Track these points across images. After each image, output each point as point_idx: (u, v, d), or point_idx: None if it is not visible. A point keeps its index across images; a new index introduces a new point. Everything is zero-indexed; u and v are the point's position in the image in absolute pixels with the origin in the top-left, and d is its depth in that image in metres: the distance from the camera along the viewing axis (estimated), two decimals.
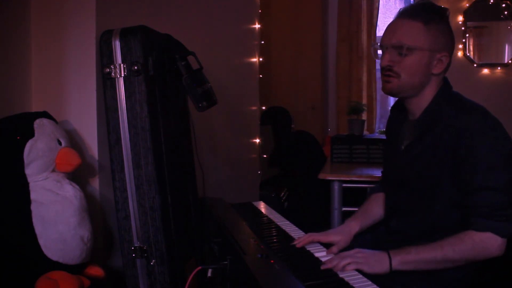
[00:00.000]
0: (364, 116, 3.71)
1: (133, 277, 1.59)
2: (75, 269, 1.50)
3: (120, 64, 1.55)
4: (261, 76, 3.21)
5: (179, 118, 1.88)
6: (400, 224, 1.52)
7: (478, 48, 3.84)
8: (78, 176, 1.66)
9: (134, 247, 1.58)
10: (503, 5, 3.68)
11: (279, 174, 3.78)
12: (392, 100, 4.03)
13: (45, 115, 1.59)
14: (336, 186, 2.50)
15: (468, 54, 3.80)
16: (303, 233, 1.57)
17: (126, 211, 1.58)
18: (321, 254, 1.40)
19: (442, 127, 1.38)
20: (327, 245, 1.50)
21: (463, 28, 3.77)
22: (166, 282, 1.57)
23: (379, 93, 4.06)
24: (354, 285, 1.17)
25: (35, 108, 1.73)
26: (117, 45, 1.55)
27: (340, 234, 1.53)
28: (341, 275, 1.23)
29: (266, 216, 1.83)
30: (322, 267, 1.28)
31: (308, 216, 3.28)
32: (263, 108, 3.53)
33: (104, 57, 1.57)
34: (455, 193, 1.36)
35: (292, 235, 1.57)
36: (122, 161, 1.56)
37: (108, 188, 1.69)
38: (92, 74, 1.67)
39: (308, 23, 4.04)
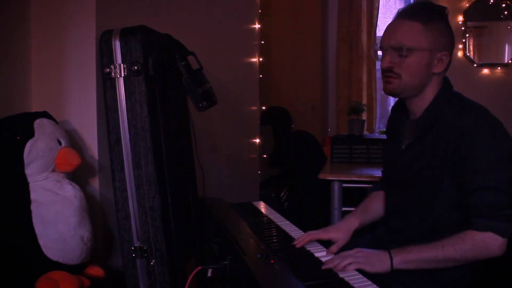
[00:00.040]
0: (364, 116, 3.71)
1: (133, 277, 1.59)
2: (75, 269, 1.50)
3: (120, 64, 1.55)
4: (261, 76, 3.21)
5: (179, 118, 1.88)
6: (400, 224, 1.52)
7: (478, 48, 3.85)
8: (78, 176, 1.66)
9: (134, 247, 1.58)
10: (503, 5, 3.68)
11: (279, 174, 3.78)
12: (392, 100, 4.03)
13: (45, 115, 1.60)
14: (336, 186, 2.50)
15: (468, 54, 3.80)
16: (303, 233, 1.57)
17: (126, 211, 1.58)
18: (321, 254, 1.40)
19: (442, 127, 1.38)
20: (327, 243, 1.50)
21: (463, 28, 3.77)
22: (166, 282, 1.57)
23: (379, 93, 4.06)
24: (354, 285, 1.17)
25: (35, 108, 1.73)
26: (117, 45, 1.55)
27: (339, 231, 1.53)
28: (341, 275, 1.23)
29: (266, 216, 1.83)
30: (323, 267, 1.28)
31: (308, 216, 3.29)
32: (263, 108, 3.53)
33: (104, 57, 1.57)
34: (455, 193, 1.36)
35: (292, 235, 1.57)
36: (122, 161, 1.56)
37: (108, 188, 1.69)
38: (92, 74, 1.68)
39: (308, 23, 4.04)
